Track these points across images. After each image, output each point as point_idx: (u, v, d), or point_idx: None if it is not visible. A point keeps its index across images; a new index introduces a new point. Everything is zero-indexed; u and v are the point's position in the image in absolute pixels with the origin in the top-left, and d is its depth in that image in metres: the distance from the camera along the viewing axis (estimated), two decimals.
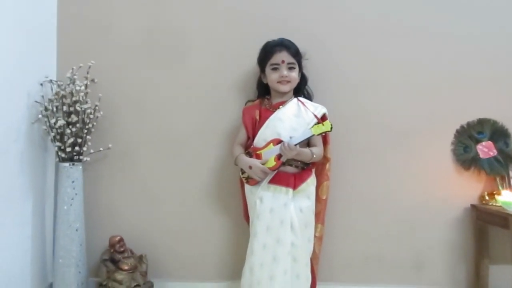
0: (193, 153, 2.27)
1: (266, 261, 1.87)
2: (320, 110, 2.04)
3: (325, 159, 2.08)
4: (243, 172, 2.02)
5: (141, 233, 2.27)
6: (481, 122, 2.26)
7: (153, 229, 2.28)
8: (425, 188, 2.27)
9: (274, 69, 2.03)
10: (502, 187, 2.19)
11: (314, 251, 2.01)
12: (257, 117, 2.05)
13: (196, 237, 2.27)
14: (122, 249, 2.15)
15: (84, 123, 2.14)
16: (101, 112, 2.18)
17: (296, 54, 2.05)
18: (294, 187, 1.93)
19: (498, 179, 2.22)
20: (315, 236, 2.01)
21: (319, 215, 2.05)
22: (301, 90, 2.12)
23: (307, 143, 2.00)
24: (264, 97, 2.12)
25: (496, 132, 2.25)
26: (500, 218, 2.01)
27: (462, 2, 2.29)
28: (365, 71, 2.27)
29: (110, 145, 2.22)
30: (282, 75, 2.01)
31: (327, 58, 2.26)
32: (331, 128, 1.85)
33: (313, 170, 2.04)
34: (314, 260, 2.02)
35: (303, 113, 2.01)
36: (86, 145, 2.16)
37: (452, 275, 2.28)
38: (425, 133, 2.27)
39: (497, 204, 2.12)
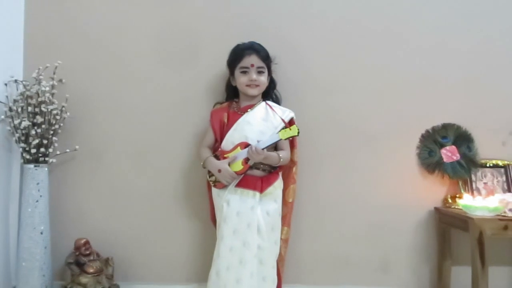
0: (161, 155, 2.27)
1: (232, 264, 1.88)
2: (288, 114, 2.06)
3: (292, 162, 2.10)
4: (210, 175, 2.02)
5: (108, 236, 2.25)
6: (446, 127, 2.32)
7: (120, 232, 2.26)
8: (391, 191, 2.31)
9: (243, 72, 2.04)
10: (465, 191, 2.25)
11: (280, 254, 2.02)
12: (225, 120, 2.05)
13: (163, 240, 2.27)
14: (87, 252, 2.13)
15: (50, 124, 2.11)
16: (68, 113, 2.16)
17: (265, 58, 2.07)
18: (261, 190, 1.94)
19: (460, 183, 2.28)
20: (281, 238, 2.03)
21: (285, 218, 2.07)
22: (269, 93, 2.14)
23: (275, 146, 2.01)
24: (232, 99, 2.13)
25: (459, 137, 2.31)
26: (460, 221, 2.06)
27: (428, 9, 2.34)
28: (334, 75, 2.31)
29: (77, 147, 2.20)
30: (251, 79, 2.02)
31: (297, 62, 2.29)
32: (298, 133, 1.87)
33: (280, 174, 2.06)
34: (280, 262, 2.04)
35: (271, 117, 2.03)
36: (52, 147, 2.13)
37: (416, 276, 2.32)
38: (391, 137, 2.32)
39: (458, 207, 2.17)
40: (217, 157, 2.02)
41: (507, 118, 2.34)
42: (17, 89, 2.13)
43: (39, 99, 2.08)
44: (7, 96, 2.07)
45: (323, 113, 2.30)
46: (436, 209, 2.29)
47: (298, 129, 1.87)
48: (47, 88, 2.08)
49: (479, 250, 1.94)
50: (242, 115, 2.04)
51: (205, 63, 2.26)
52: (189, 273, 2.26)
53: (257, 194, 1.93)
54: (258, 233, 1.90)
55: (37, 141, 2.07)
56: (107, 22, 2.27)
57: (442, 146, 2.31)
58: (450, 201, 2.27)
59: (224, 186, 1.97)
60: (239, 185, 1.95)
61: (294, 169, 2.11)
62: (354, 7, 2.32)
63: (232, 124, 2.02)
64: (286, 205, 2.08)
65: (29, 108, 2.07)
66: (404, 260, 2.32)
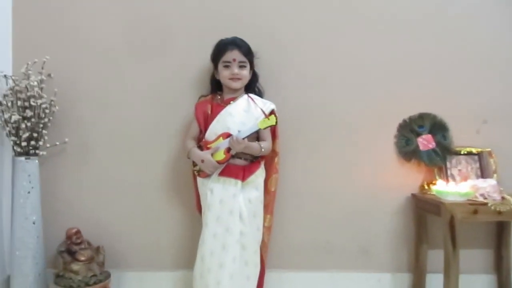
0: (148, 146, 2.34)
1: (215, 249, 1.97)
2: (269, 106, 2.14)
3: (274, 153, 2.18)
4: (194, 165, 2.10)
5: (99, 225, 2.33)
6: (422, 116, 2.41)
7: (110, 221, 2.34)
8: (370, 179, 2.41)
9: (226, 66, 2.12)
10: (440, 177, 2.35)
11: (263, 240, 2.12)
12: (209, 112, 2.13)
13: (152, 228, 2.35)
14: (79, 240, 2.21)
15: (39, 117, 2.18)
16: (57, 107, 2.22)
17: (247, 53, 2.14)
18: (243, 179, 2.03)
19: (436, 170, 2.38)
20: (264, 226, 2.12)
21: (268, 207, 2.16)
22: (252, 87, 2.22)
23: (257, 137, 2.10)
24: (216, 92, 2.21)
25: (435, 126, 2.40)
26: (434, 206, 2.16)
27: (401, 1, 2.41)
28: (314, 68, 2.38)
29: (66, 139, 2.27)
30: (233, 73, 2.10)
31: (279, 56, 2.36)
32: (276, 122, 1.96)
33: (262, 163, 2.14)
34: (263, 248, 2.13)
35: (253, 108, 2.11)
36: (42, 140, 2.20)
37: (395, 259, 2.43)
38: (370, 126, 2.41)
39: (433, 193, 2.27)
40: (200, 148, 2.10)
41: (480, 108, 2.44)
42: (7, 84, 2.19)
43: (28, 94, 2.14)
44: None
45: (304, 105, 2.38)
46: (413, 195, 2.39)
47: (276, 119, 1.96)
48: (35, 83, 2.13)
49: (450, 233, 2.05)
50: (225, 107, 2.11)
51: (189, 58, 2.33)
52: (177, 259, 2.35)
53: (239, 182, 2.02)
54: (240, 220, 1.99)
55: (27, 134, 2.14)
56: (93, 18, 2.32)
57: (418, 135, 2.40)
58: (426, 187, 2.37)
59: (207, 175, 2.05)
60: (222, 174, 2.03)
61: (276, 159, 2.19)
62: (332, 1, 2.40)
63: (215, 116, 2.10)
64: (269, 194, 2.16)
65: (19, 103, 2.14)
66: (383, 244, 2.43)
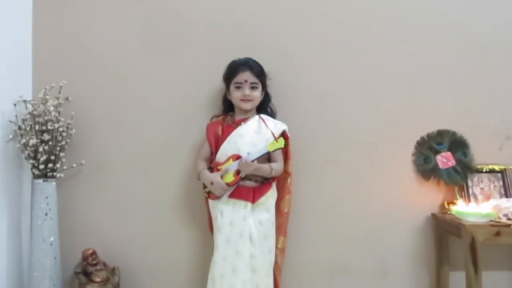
0: (162, 166, 2.35)
1: (226, 272, 1.95)
2: (280, 127, 2.13)
3: (286, 173, 2.16)
4: (205, 187, 2.10)
5: (115, 246, 2.34)
6: (441, 133, 2.35)
7: (126, 242, 2.36)
8: (388, 197, 2.35)
9: (238, 87, 2.12)
10: (460, 196, 2.27)
11: (276, 262, 2.09)
12: (220, 133, 2.14)
13: (167, 249, 2.35)
14: (94, 261, 2.23)
15: (57, 140, 2.22)
16: (73, 130, 2.27)
17: (259, 74, 2.14)
18: (253, 201, 2.01)
19: (456, 189, 2.30)
20: (277, 247, 2.09)
21: (281, 228, 2.13)
22: (264, 107, 2.21)
23: (268, 158, 2.09)
24: (228, 113, 2.21)
25: (454, 143, 2.33)
26: (454, 227, 2.09)
27: (420, 17, 2.38)
28: (328, 86, 2.36)
29: (83, 161, 2.31)
30: (245, 94, 2.10)
31: (293, 74, 2.35)
32: (285, 144, 1.95)
33: (273, 184, 2.12)
34: (277, 270, 2.10)
35: (263, 129, 2.11)
36: (59, 162, 2.24)
37: (415, 282, 2.36)
38: (387, 144, 2.36)
39: (453, 213, 2.19)
40: (211, 169, 2.10)
41: (503, 123, 2.37)
42: (26, 108, 2.25)
43: (46, 118, 2.19)
44: (16, 116, 2.19)
45: (319, 124, 2.36)
46: (433, 215, 2.32)
47: (284, 142, 1.95)
48: (52, 108, 2.19)
49: (471, 256, 1.97)
50: (235, 128, 2.11)
51: (204, 78, 2.34)
52: (191, 280, 2.33)
53: (249, 204, 2.00)
54: (250, 242, 1.97)
55: (45, 157, 2.19)
56: (109, 43, 2.37)
57: (437, 152, 2.33)
58: (446, 207, 2.29)
59: (217, 197, 2.05)
60: (231, 196, 2.02)
61: (288, 180, 2.17)
62: (346, 17, 2.38)
63: (226, 137, 2.10)
64: (282, 215, 2.14)
65: (37, 127, 2.19)
66: (402, 266, 2.36)
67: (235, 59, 2.18)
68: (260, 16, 2.37)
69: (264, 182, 2.08)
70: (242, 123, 2.13)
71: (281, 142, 1.94)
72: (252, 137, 2.07)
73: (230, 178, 2.01)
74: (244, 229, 1.97)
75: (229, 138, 2.09)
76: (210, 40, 2.37)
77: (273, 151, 1.97)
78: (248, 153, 1.98)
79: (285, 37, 2.37)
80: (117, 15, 2.38)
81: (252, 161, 1.96)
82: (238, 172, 2.00)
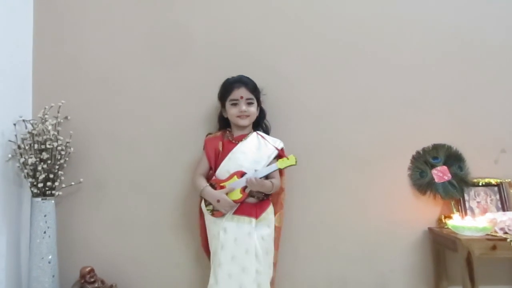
0: (160, 184, 2.37)
1: None
2: (279, 144, 2.15)
3: (280, 189, 2.17)
4: (207, 204, 2.08)
5: (113, 264, 2.34)
6: (436, 147, 2.36)
7: (124, 260, 2.36)
8: (384, 212, 2.36)
9: (234, 104, 2.15)
10: (457, 210, 2.27)
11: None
12: (220, 148, 2.15)
13: (165, 267, 2.35)
14: (92, 279, 2.23)
15: (55, 159, 2.25)
16: (72, 149, 2.29)
17: (254, 90, 2.17)
18: (257, 216, 2.02)
19: (453, 203, 2.30)
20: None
21: (275, 243, 2.11)
22: (259, 123, 2.24)
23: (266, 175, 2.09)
24: (225, 129, 2.23)
25: (450, 157, 2.34)
26: (450, 242, 2.09)
27: (412, 32, 2.42)
28: (322, 102, 2.39)
29: (81, 180, 2.33)
30: (241, 110, 2.13)
31: (287, 91, 2.39)
32: (296, 162, 1.96)
33: (271, 200, 2.14)
34: (272, 286, 2.09)
35: (263, 146, 2.13)
36: (58, 180, 2.26)
37: None
38: (383, 159, 2.37)
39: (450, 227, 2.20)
40: (212, 186, 2.10)
41: (498, 136, 2.38)
42: (26, 128, 2.29)
43: (45, 137, 2.22)
44: (15, 135, 2.22)
45: (314, 140, 2.38)
46: (430, 229, 2.32)
47: (295, 158, 1.96)
48: (50, 127, 2.22)
49: (468, 270, 1.97)
50: (236, 143, 2.13)
51: (198, 96, 2.38)
52: None
53: (253, 220, 2.01)
54: (255, 258, 1.97)
55: (43, 175, 2.21)
56: (107, 63, 2.41)
57: (433, 166, 2.34)
58: (443, 221, 2.29)
59: (222, 215, 2.03)
60: (235, 212, 2.03)
61: (282, 195, 2.19)
62: (340, 34, 2.42)
63: (227, 153, 2.11)
64: (275, 230, 2.13)
65: (36, 146, 2.22)
66: (400, 280, 2.35)
67: (229, 77, 2.21)
68: (255, 35, 2.42)
69: (264, 199, 2.09)
70: (242, 139, 2.14)
71: (292, 160, 1.95)
72: (254, 153, 2.09)
73: (237, 195, 2.01)
74: (250, 245, 1.96)
75: (230, 155, 2.10)
76: (207, 58, 2.41)
77: (284, 168, 1.98)
78: (255, 170, 1.99)
79: (280, 55, 2.41)
80: (115, 36, 2.42)
81: (260, 178, 1.97)
82: (244, 188, 2.00)
